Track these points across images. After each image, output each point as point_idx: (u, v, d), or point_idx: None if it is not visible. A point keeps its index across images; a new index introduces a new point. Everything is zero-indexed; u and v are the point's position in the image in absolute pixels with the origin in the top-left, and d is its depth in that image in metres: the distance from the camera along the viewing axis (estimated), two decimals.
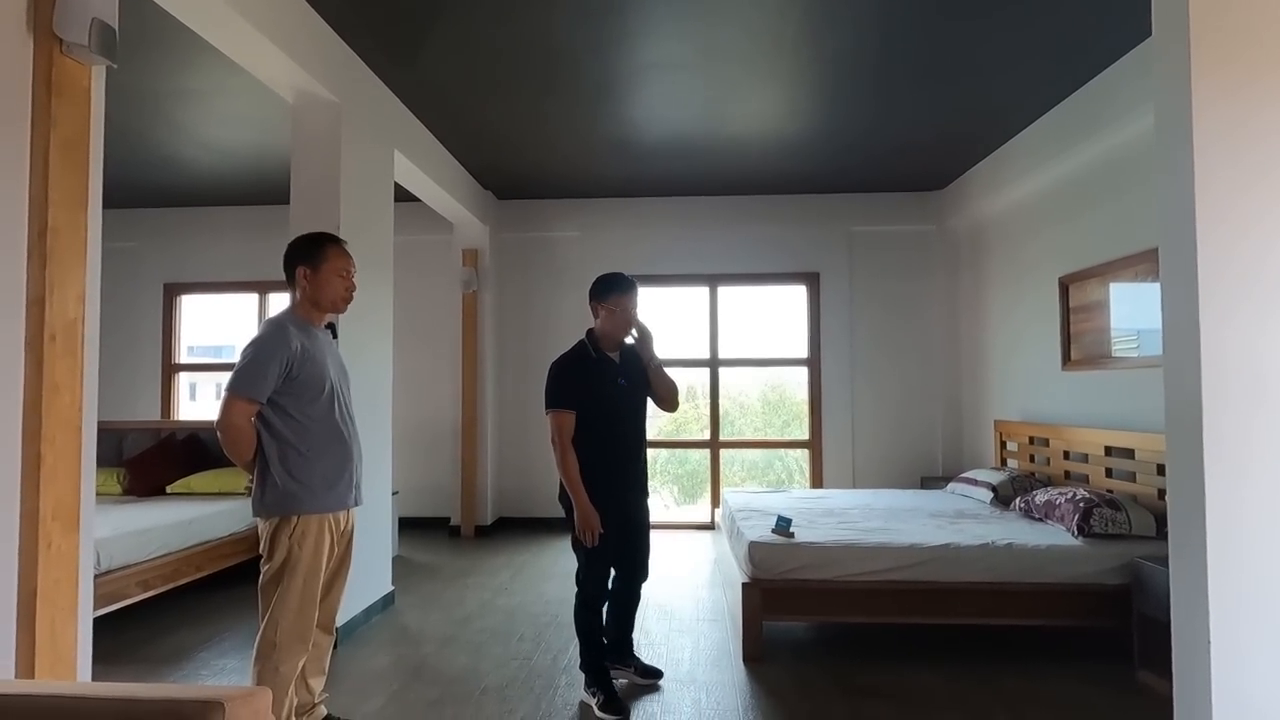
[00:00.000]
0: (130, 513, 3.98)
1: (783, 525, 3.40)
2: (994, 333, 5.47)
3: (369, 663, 3.17)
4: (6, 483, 1.70)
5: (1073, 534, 3.32)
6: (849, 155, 5.24)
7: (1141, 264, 3.69)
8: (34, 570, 1.73)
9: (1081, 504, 3.37)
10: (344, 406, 2.24)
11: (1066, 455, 4.30)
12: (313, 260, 2.16)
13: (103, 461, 5.00)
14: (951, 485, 4.88)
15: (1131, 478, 3.68)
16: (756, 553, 3.21)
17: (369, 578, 3.74)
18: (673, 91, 4.13)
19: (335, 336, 2.33)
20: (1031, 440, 4.71)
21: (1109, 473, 3.86)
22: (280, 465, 2.06)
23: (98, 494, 4.49)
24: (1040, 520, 3.67)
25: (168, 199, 6.22)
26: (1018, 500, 3.97)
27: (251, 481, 2.10)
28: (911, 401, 6.17)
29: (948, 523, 3.73)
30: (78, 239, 1.83)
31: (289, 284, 2.19)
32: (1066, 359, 4.43)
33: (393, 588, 4.08)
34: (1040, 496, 3.76)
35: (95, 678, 2.95)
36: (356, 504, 2.27)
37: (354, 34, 3.48)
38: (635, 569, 2.87)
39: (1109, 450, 3.85)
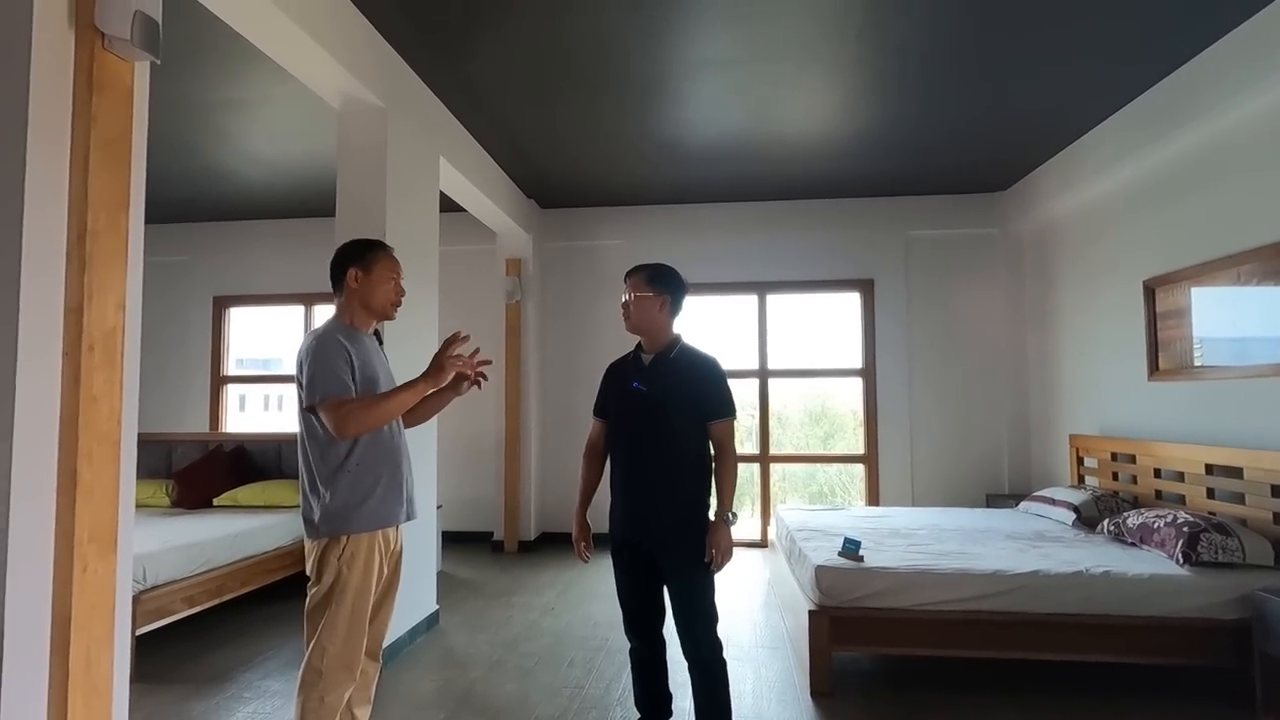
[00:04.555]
0: (177, 526, 3.94)
1: (851, 548, 3.16)
2: (1066, 341, 5.13)
3: (415, 688, 3.03)
4: (41, 502, 1.59)
5: (1176, 561, 3.00)
6: (906, 156, 5.00)
7: (1250, 262, 3.36)
8: (68, 596, 1.61)
9: (1185, 528, 3.06)
10: None
11: (1157, 474, 3.95)
12: (365, 263, 2.08)
13: (151, 473, 5.01)
14: (1024, 504, 4.56)
15: (1239, 499, 3.34)
16: (824, 578, 2.98)
17: (414, 596, 3.61)
18: (723, 90, 3.96)
19: (381, 343, 2.22)
20: (1114, 457, 4.36)
21: (1210, 493, 3.52)
22: (329, 482, 1.94)
23: (145, 506, 4.58)
24: (1134, 545, 3.35)
25: (217, 213, 6.29)
26: (1106, 522, 3.65)
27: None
28: (974, 415, 5.84)
29: (1029, 546, 3.44)
30: (118, 243, 1.73)
31: (336, 289, 2.09)
32: (1154, 369, 4.08)
33: (437, 606, 3.96)
34: (1133, 519, 3.44)
35: (135, 701, 2.87)
36: (411, 518, 2.15)
37: (398, 36, 3.39)
38: (680, 630, 2.34)
39: (1210, 469, 3.51)
